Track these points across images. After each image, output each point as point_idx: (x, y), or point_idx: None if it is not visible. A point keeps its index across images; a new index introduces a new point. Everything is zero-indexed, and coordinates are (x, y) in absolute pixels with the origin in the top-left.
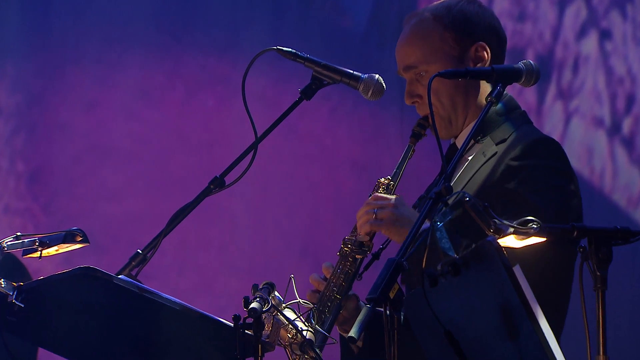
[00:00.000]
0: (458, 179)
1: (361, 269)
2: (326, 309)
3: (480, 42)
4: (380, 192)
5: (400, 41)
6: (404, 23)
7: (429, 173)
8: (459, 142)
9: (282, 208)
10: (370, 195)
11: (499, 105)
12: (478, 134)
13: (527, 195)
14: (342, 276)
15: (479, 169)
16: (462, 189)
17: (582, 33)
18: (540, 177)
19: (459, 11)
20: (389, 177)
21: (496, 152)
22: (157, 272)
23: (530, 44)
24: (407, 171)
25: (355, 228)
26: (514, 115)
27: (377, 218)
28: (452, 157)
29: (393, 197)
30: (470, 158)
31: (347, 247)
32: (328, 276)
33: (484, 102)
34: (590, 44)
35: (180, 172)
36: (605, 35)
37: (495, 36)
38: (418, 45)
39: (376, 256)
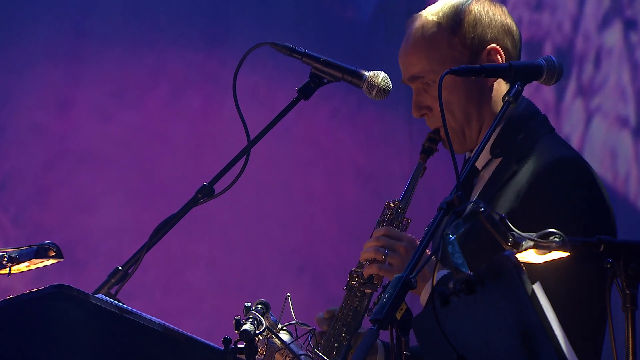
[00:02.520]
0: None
1: (371, 304)
2: (334, 350)
3: (493, 45)
4: (390, 217)
5: (403, 48)
6: (406, 27)
7: (442, 192)
8: None
9: (277, 220)
10: (378, 223)
11: (517, 112)
12: (495, 148)
13: (550, 225)
14: (350, 313)
15: (498, 190)
16: None
17: (604, 23)
18: (564, 204)
19: (466, 11)
20: (397, 200)
21: (516, 171)
22: (139, 291)
23: (548, 36)
24: (417, 190)
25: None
26: (534, 123)
27: (389, 261)
28: (468, 174)
29: (406, 237)
30: (487, 176)
31: (355, 281)
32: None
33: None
34: (614, 35)
35: (165, 179)
36: (630, 25)
37: (509, 36)
38: (423, 53)
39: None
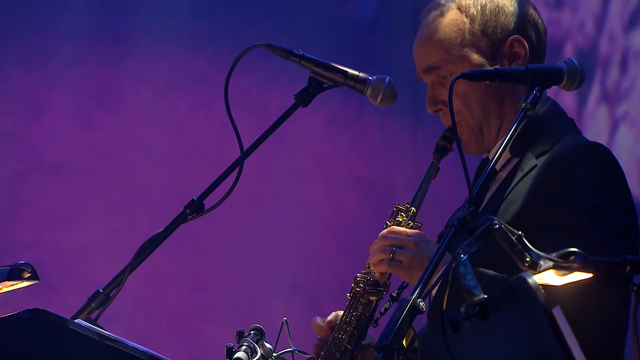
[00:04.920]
0: (492, 199)
1: (377, 314)
2: None
3: (516, 36)
4: (400, 219)
5: (419, 38)
6: (422, 15)
7: (454, 195)
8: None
9: (269, 236)
10: (386, 225)
11: (541, 112)
12: (515, 146)
13: (575, 216)
14: (354, 322)
15: (515, 185)
16: (496, 210)
17: (631, 23)
18: (588, 193)
19: None
20: (407, 202)
21: (536, 165)
22: (120, 315)
23: (569, 37)
24: (428, 194)
25: (368, 265)
26: (559, 123)
27: (395, 259)
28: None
29: (413, 232)
30: (505, 175)
31: (360, 287)
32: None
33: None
34: None
35: (148, 192)
36: None
37: (533, 28)
38: (441, 42)
39: (395, 298)
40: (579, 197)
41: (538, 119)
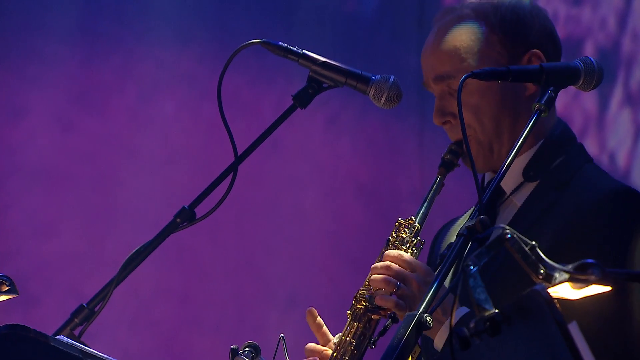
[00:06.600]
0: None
1: (375, 334)
2: None
3: (535, 50)
4: (404, 235)
5: (431, 44)
6: (435, 20)
7: (459, 209)
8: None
9: (264, 246)
10: (388, 241)
11: (555, 134)
12: (529, 170)
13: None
14: (354, 341)
15: (535, 220)
16: None
17: None
18: (622, 246)
19: (509, 9)
20: (412, 217)
21: (556, 200)
22: (103, 330)
23: (589, 34)
24: (433, 208)
25: (368, 281)
26: (571, 149)
27: (399, 294)
28: (491, 200)
29: (419, 267)
30: (519, 203)
31: (361, 305)
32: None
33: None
34: None
35: (134, 198)
36: None
37: (551, 43)
38: (455, 50)
39: (395, 318)
40: (613, 250)
41: (552, 142)
